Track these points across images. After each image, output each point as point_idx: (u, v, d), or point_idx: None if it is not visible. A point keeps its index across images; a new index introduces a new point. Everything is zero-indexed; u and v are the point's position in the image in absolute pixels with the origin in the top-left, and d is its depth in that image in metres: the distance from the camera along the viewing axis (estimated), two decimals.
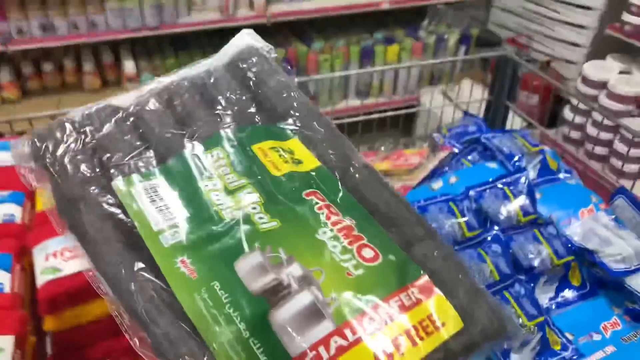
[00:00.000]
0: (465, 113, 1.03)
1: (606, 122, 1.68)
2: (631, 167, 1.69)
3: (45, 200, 0.49)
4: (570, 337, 0.63)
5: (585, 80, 1.85)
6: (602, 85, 1.82)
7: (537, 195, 0.76)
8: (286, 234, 0.45)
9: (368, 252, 0.45)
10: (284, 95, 0.56)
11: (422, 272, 0.45)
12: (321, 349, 0.39)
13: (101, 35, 2.03)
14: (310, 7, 2.23)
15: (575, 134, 1.83)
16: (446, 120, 1.15)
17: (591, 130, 1.78)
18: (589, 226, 0.72)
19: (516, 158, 0.80)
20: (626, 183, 0.85)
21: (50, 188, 0.49)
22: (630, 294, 0.64)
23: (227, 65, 0.59)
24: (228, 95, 0.56)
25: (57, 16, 1.96)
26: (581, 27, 2.09)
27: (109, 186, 0.48)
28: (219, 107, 0.55)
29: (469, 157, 0.84)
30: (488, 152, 0.85)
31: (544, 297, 0.67)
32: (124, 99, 0.56)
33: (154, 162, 0.51)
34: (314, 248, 0.44)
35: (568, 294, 0.68)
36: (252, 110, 0.56)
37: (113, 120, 0.53)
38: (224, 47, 0.61)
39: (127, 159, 0.50)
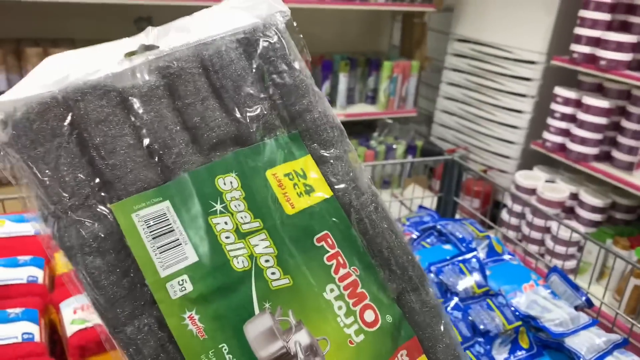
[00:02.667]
0: (421, 207, 1.18)
1: (537, 222, 1.89)
2: (566, 264, 1.88)
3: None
4: None
5: (518, 187, 2.09)
6: (532, 191, 2.06)
7: (487, 272, 0.89)
8: (296, 293, 0.43)
9: (369, 315, 0.44)
10: (301, 93, 0.47)
11: (413, 333, 0.46)
12: None
13: None
14: None
15: (512, 234, 2.03)
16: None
17: (525, 230, 1.98)
18: (531, 298, 0.85)
19: (467, 241, 0.94)
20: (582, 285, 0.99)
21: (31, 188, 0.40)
22: (569, 352, 0.76)
23: (238, 45, 0.47)
24: (241, 91, 0.46)
25: None
26: (510, 142, 2.39)
27: (105, 208, 0.40)
28: (229, 105, 0.46)
29: (428, 240, 0.97)
30: (443, 236, 0.99)
31: (500, 358, 0.78)
32: (106, 64, 0.43)
33: (160, 178, 0.42)
34: (322, 311, 0.43)
35: (519, 354, 0.79)
36: (266, 109, 0.47)
37: (107, 108, 0.41)
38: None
39: (127, 169, 0.41)
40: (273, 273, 0.43)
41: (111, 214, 0.40)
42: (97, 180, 0.41)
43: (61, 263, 0.71)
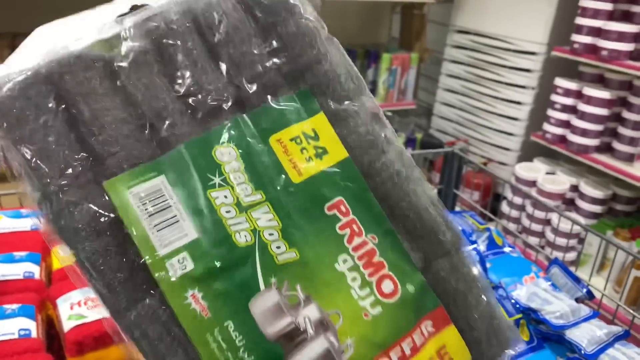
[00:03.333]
0: None
1: (538, 214, 1.89)
2: (567, 256, 1.88)
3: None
4: None
5: (518, 180, 2.08)
6: (533, 183, 2.05)
7: (487, 265, 0.88)
8: (304, 266, 0.40)
9: (388, 286, 0.42)
10: (308, 42, 0.42)
11: (439, 302, 0.43)
12: None
13: None
14: None
15: (512, 226, 2.03)
16: None
17: (526, 222, 1.98)
18: (531, 290, 0.85)
19: (467, 233, 0.94)
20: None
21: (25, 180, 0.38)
22: (570, 344, 0.75)
23: None
24: (239, 47, 0.41)
25: None
26: (511, 134, 2.38)
27: (98, 186, 0.38)
28: (226, 65, 0.41)
29: None
30: None
31: None
32: (94, 31, 0.40)
33: (154, 152, 0.40)
34: (333, 283, 0.41)
35: (520, 347, 0.78)
36: (268, 66, 0.42)
37: (94, 80, 0.38)
38: None
39: (118, 145, 0.38)
40: (278, 247, 0.41)
41: (104, 192, 0.39)
42: (88, 157, 0.39)
43: (58, 258, 0.71)
